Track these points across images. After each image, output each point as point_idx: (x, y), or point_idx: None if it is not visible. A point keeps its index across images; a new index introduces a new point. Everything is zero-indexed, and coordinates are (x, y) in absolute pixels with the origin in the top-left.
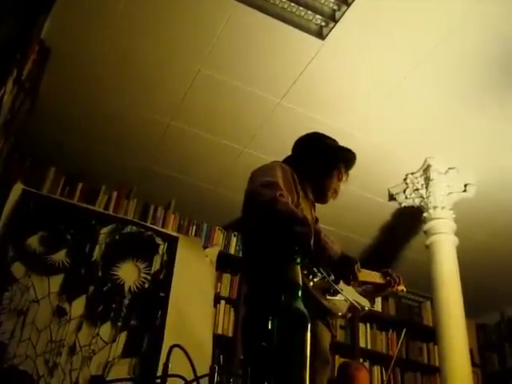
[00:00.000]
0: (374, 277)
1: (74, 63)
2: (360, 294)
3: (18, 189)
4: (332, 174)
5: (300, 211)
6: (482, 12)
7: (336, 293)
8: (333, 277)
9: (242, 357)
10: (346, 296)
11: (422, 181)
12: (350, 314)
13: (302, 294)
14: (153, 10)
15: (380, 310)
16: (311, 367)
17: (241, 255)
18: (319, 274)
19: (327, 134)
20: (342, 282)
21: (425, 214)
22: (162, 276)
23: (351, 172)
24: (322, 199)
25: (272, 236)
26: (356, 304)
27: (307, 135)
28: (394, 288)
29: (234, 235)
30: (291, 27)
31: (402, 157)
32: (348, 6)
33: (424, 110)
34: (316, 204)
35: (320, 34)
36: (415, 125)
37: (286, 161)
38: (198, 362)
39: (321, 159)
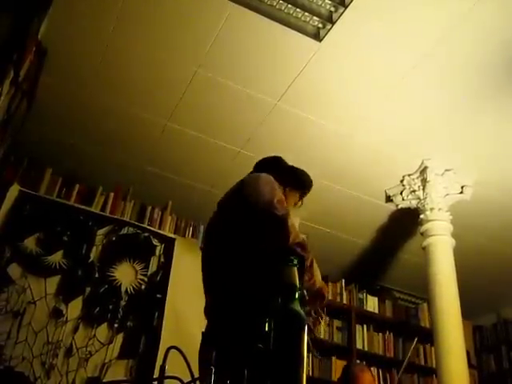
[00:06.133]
0: None
1: (71, 64)
2: None
3: (14, 190)
4: (291, 198)
5: None
6: (481, 12)
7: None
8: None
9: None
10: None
11: (418, 182)
12: None
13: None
14: (150, 12)
15: (377, 311)
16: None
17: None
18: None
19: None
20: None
21: (421, 216)
22: (158, 277)
23: (350, 173)
24: None
25: (270, 247)
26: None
27: (268, 158)
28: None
29: None
30: (288, 29)
31: (399, 158)
32: (345, 7)
33: (421, 112)
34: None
35: (317, 36)
36: (412, 126)
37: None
38: (194, 363)
39: (287, 179)
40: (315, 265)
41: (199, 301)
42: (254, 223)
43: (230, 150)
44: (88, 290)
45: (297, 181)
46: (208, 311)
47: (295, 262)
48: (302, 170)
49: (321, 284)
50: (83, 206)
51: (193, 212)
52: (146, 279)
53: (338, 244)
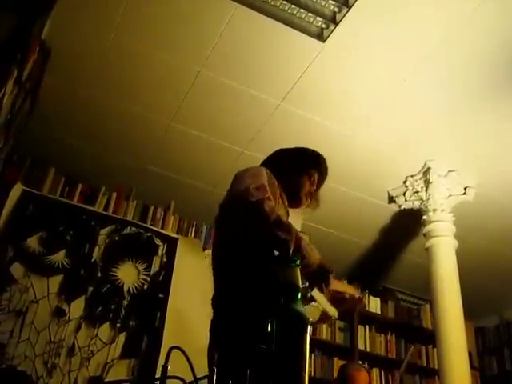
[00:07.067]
0: (344, 287)
1: (74, 64)
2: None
3: (17, 189)
4: (302, 176)
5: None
6: (483, 13)
7: (310, 300)
8: (307, 284)
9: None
10: (319, 303)
11: (421, 183)
12: (319, 322)
13: None
14: (153, 12)
15: (379, 312)
16: None
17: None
18: None
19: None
20: (315, 289)
21: (424, 217)
22: (161, 277)
23: (352, 174)
24: (296, 201)
25: (254, 236)
26: (328, 311)
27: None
28: (357, 302)
29: None
30: (292, 29)
31: (402, 159)
32: (349, 8)
33: (424, 113)
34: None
35: (320, 37)
36: (415, 127)
37: (264, 165)
38: (196, 363)
39: (291, 162)
40: (305, 243)
41: (201, 300)
42: (237, 216)
43: (234, 151)
44: (90, 289)
45: (306, 160)
46: (214, 303)
47: (298, 262)
48: (306, 148)
49: (320, 260)
50: (86, 206)
51: (195, 212)
52: (148, 279)
53: (341, 245)
